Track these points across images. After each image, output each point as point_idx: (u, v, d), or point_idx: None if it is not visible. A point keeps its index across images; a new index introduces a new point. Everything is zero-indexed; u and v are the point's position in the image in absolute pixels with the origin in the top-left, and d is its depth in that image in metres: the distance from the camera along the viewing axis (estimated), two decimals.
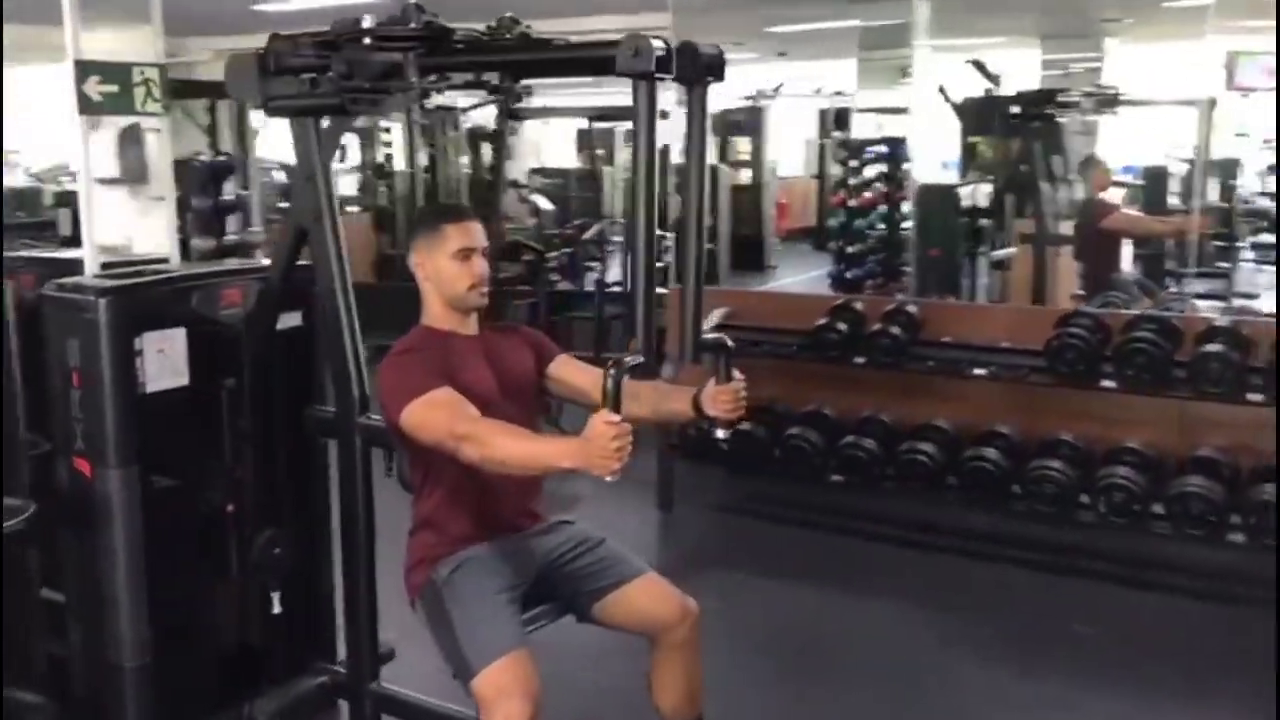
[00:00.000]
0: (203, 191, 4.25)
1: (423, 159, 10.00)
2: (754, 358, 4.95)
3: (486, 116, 9.82)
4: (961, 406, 4.56)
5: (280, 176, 9.36)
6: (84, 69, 2.81)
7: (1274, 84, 6.20)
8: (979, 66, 6.97)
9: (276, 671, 2.96)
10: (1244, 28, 7.05)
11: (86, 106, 2.83)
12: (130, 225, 3.05)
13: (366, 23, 2.30)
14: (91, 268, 2.93)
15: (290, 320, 2.97)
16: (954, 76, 7.15)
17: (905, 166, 7.46)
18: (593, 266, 9.16)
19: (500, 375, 2.49)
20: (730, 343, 2.38)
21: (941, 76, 7.27)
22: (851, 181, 7.63)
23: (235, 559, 2.87)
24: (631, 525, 4.92)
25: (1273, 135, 7.39)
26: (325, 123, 2.63)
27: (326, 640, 3.06)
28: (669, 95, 2.37)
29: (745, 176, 12.41)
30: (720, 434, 2.40)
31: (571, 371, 2.63)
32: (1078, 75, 8.74)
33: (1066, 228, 6.31)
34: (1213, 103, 6.79)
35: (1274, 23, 5.49)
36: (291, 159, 2.64)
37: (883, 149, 7.43)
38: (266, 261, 3.05)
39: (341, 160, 11.62)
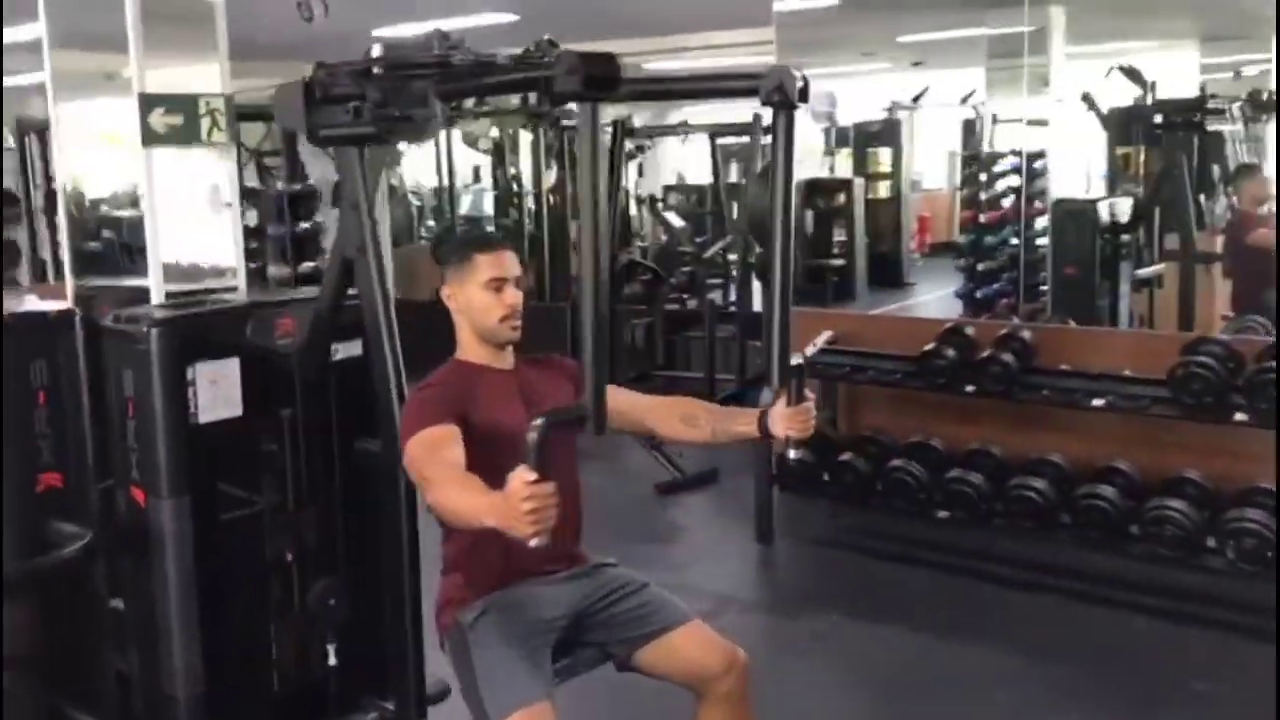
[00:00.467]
0: (279, 219, 4.32)
1: (551, 178, 10.04)
2: (858, 385, 4.76)
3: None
4: (1077, 439, 4.26)
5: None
6: (148, 101, 2.84)
7: None
8: (1130, 72, 6.58)
9: (332, 708, 2.93)
10: None
11: (150, 138, 2.85)
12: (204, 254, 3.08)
13: (376, 51, 2.24)
14: (156, 297, 2.95)
15: (351, 350, 2.95)
16: (1099, 84, 6.78)
17: (1041, 180, 7.09)
18: (716, 285, 9.05)
19: (540, 407, 2.39)
20: (801, 363, 2.38)
21: (1086, 84, 6.89)
22: (983, 196, 7.30)
23: (289, 598, 2.85)
24: (728, 558, 4.78)
25: None
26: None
27: (383, 677, 3.01)
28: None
29: (884, 190, 12.08)
30: (792, 453, 2.36)
31: (622, 399, 2.52)
32: (1247, 79, 8.19)
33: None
34: None
35: None
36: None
37: (1014, 161, 7.07)
38: None
39: (476, 181, 11.82)
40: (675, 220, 11.46)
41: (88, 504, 2.98)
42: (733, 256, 7.42)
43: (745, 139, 10.78)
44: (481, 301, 2.37)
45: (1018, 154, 7.06)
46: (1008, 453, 4.35)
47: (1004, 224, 7.11)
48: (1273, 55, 5.59)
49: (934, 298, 10.59)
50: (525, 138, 9.62)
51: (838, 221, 10.47)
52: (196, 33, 2.97)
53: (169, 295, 2.98)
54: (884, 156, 12.38)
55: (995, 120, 8.37)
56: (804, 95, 2.13)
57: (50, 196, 5.85)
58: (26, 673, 2.97)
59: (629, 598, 2.44)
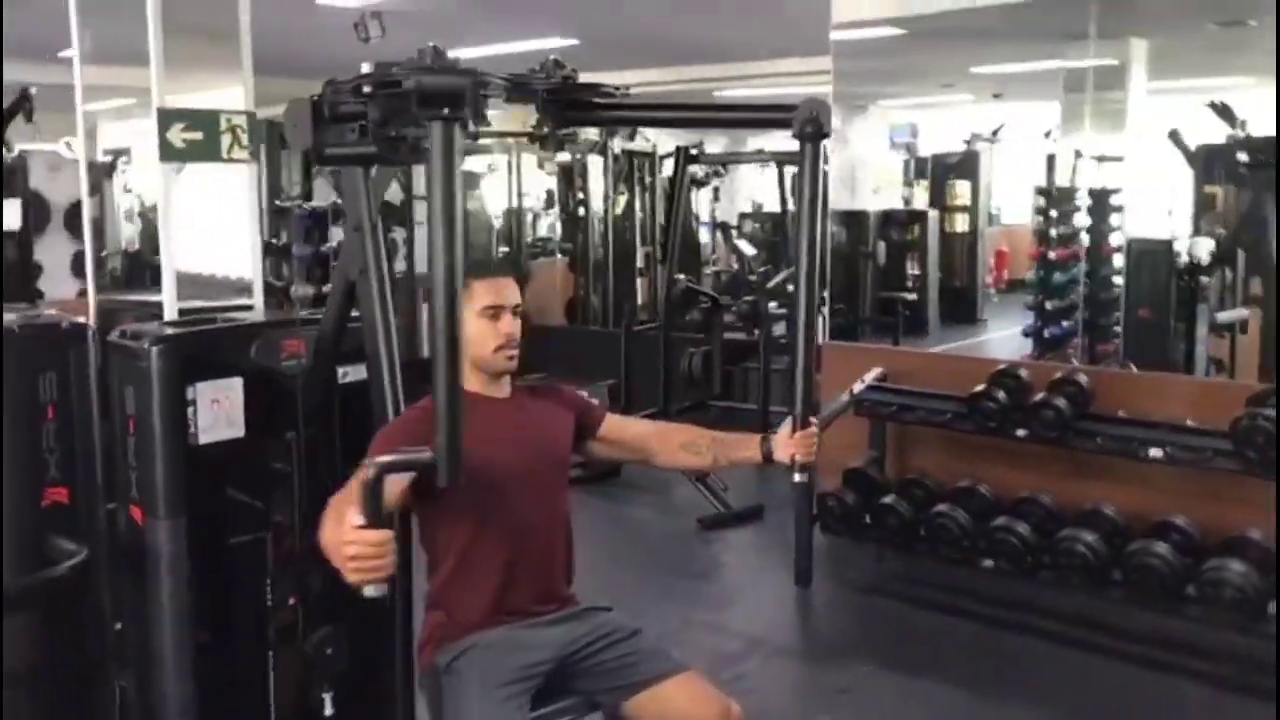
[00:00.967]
0: (305, 239, 4.30)
1: (622, 203, 10.00)
2: (907, 425, 4.59)
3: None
4: (1132, 491, 4.03)
5: None
6: (167, 116, 2.83)
7: None
8: (1220, 109, 6.31)
9: None
10: None
11: (168, 154, 2.84)
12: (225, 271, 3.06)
13: (366, 68, 2.16)
14: (169, 313, 2.92)
15: (360, 373, 2.88)
16: (1183, 119, 6.52)
17: (1116, 217, 6.82)
18: (781, 315, 8.89)
19: (529, 441, 2.31)
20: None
21: (1168, 120, 6.63)
22: (1054, 232, 7.04)
23: (290, 627, 2.77)
24: (764, 598, 4.64)
25: None
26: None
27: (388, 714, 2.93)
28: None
29: (961, 223, 11.82)
30: (797, 477, 2.36)
31: (622, 429, 2.49)
32: None
33: None
34: None
35: None
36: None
37: (1087, 199, 6.82)
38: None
39: (548, 207, 11.83)
40: (747, 248, 11.33)
41: (95, 521, 2.94)
42: (792, 287, 7.26)
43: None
44: (477, 329, 2.29)
45: (1092, 191, 6.81)
46: (1058, 502, 4.14)
47: (1074, 261, 6.85)
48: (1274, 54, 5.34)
49: (1005, 335, 10.27)
50: (595, 161, 9.61)
51: (911, 254, 10.27)
52: (223, 51, 2.97)
53: (184, 312, 2.97)
54: (962, 189, 12.13)
55: (1078, 155, 8.15)
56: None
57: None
58: (26, 689, 2.96)
59: (618, 644, 2.32)
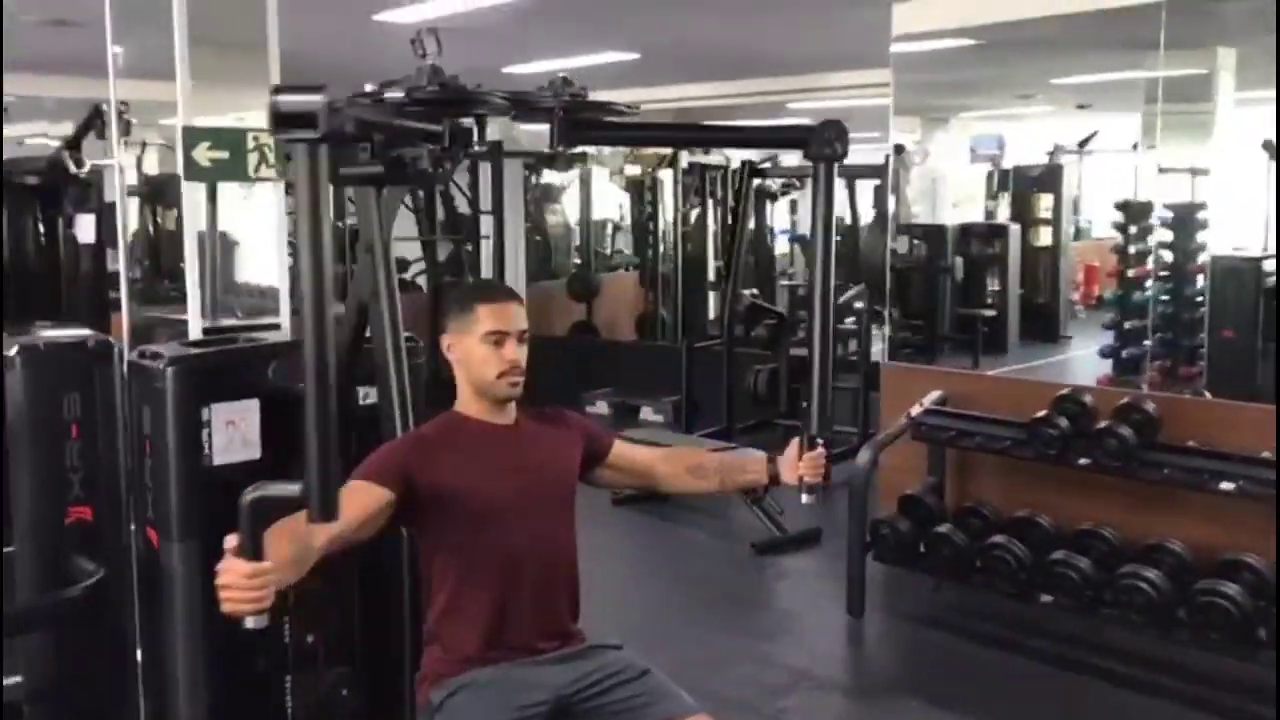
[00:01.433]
0: (341, 258, 4.27)
1: (693, 216, 9.91)
2: (964, 450, 4.42)
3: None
4: (1202, 526, 3.82)
5: None
6: (193, 135, 2.81)
7: None
8: None
9: None
10: None
11: (194, 173, 2.83)
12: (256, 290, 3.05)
13: (369, 88, 2.11)
14: (194, 332, 2.91)
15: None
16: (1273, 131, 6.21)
17: (1201, 234, 6.52)
18: (849, 331, 8.70)
19: (529, 470, 2.23)
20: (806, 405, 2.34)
21: (1261, 132, 6.34)
22: (1133, 249, 6.77)
23: (307, 653, 2.73)
24: (813, 628, 4.50)
25: None
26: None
27: None
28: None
29: (1044, 237, 11.48)
30: (805, 499, 2.33)
31: (630, 455, 2.43)
32: None
33: None
34: None
35: None
36: None
37: (1167, 214, 6.53)
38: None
39: (621, 222, 11.79)
40: None
41: (118, 540, 2.95)
42: (860, 304, 7.10)
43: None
44: (480, 354, 2.21)
45: (1175, 206, 6.52)
46: (1122, 536, 3.94)
47: (1152, 279, 6.57)
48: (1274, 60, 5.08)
49: (1087, 354, 9.91)
50: (668, 174, 9.54)
51: (991, 269, 10.00)
52: (251, 67, 2.95)
53: (209, 331, 2.95)
54: (1045, 202, 11.79)
55: (1161, 170, 7.84)
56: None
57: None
58: (49, 705, 2.97)
59: (624, 685, 2.22)
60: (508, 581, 2.17)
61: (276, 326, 3.04)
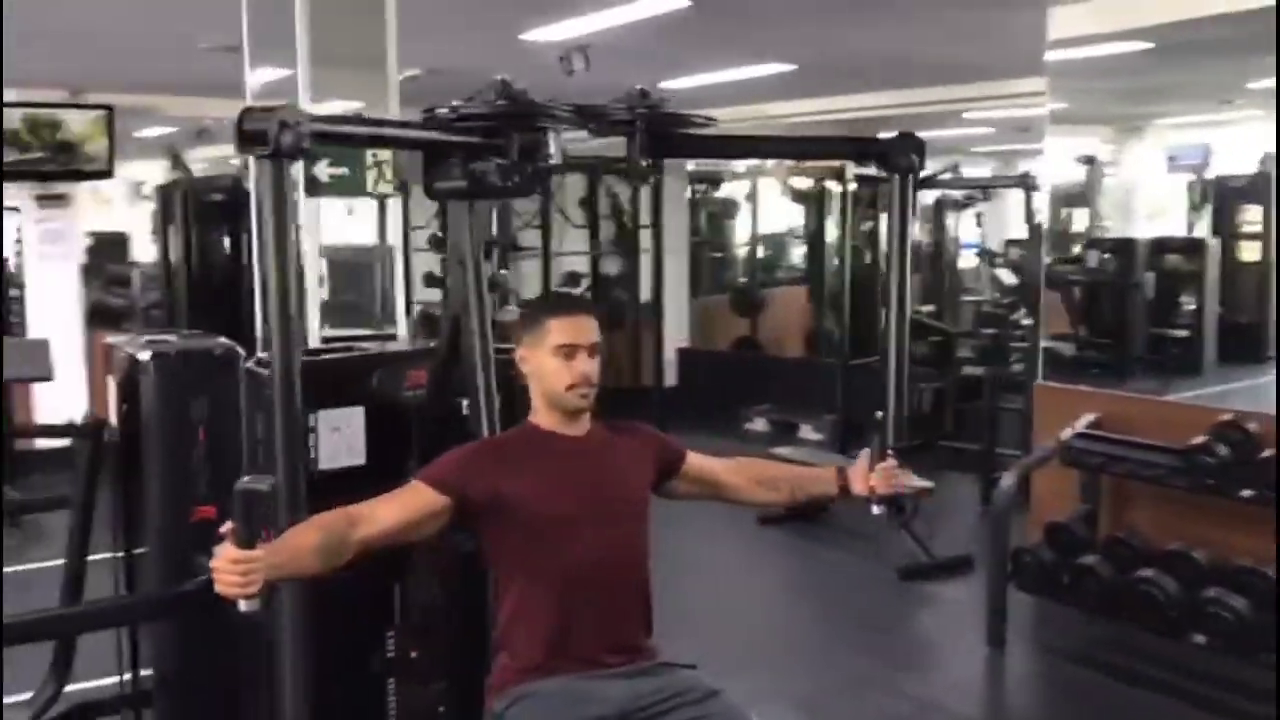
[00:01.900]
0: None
1: (863, 229, 9.71)
2: (1115, 477, 4.17)
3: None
4: None
5: None
6: (313, 152, 2.94)
7: None
8: None
9: None
10: None
11: (314, 189, 2.95)
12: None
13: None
14: (312, 341, 3.03)
15: None
16: None
17: None
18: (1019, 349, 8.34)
19: (599, 482, 2.22)
20: (882, 416, 2.36)
21: None
22: None
23: (411, 655, 2.79)
24: (951, 658, 4.34)
25: None
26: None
27: None
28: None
29: (1251, 252, 10.70)
30: (876, 510, 2.33)
31: (702, 466, 2.41)
32: None
33: None
34: None
35: None
36: None
37: None
38: None
39: (791, 236, 11.67)
40: (1008, 277, 10.73)
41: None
42: (1028, 321, 6.80)
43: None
44: (551, 367, 2.22)
45: None
46: None
47: None
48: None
49: None
50: (836, 187, 9.38)
51: (1186, 286, 9.41)
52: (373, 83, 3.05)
53: (327, 339, 3.07)
54: (1253, 215, 11.00)
55: None
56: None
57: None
58: (173, 698, 3.13)
59: (689, 707, 2.17)
60: (572, 592, 2.16)
61: (393, 336, 3.13)
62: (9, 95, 6.31)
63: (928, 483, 5.36)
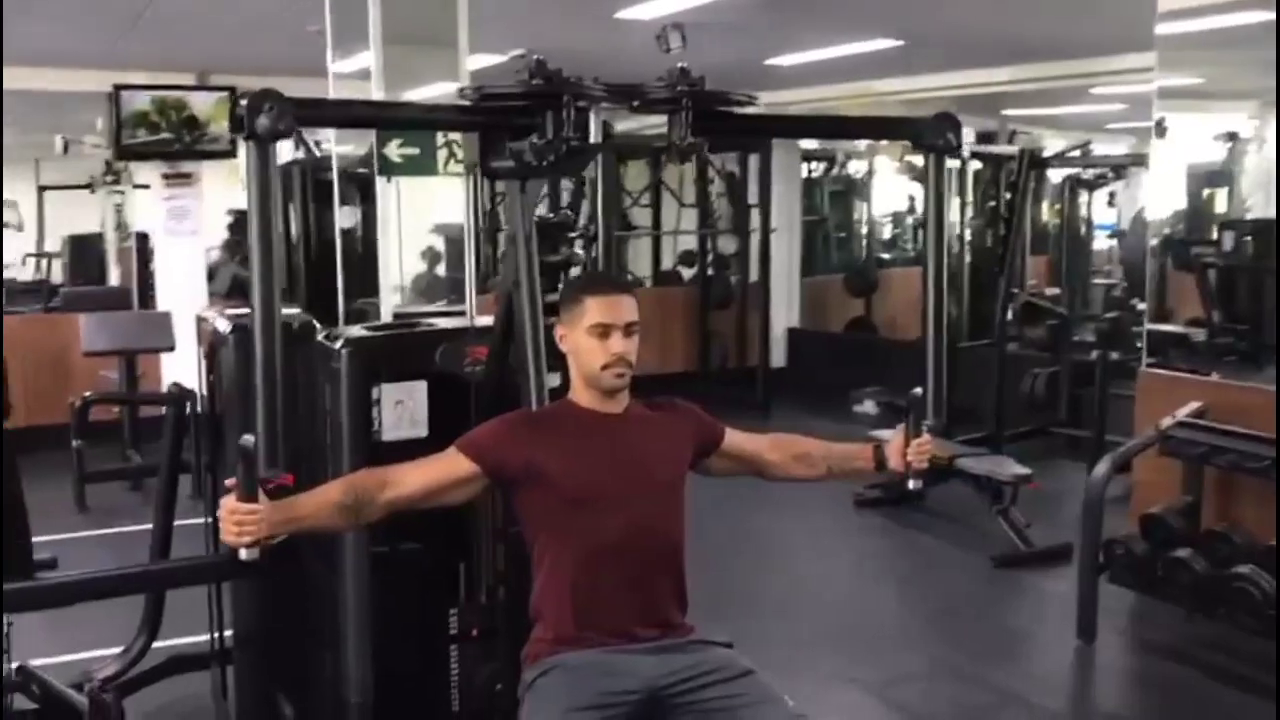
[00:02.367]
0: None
1: (981, 209, 9.45)
2: (1218, 469, 3.99)
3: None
4: None
5: None
6: (385, 133, 3.01)
7: None
8: None
9: None
10: None
11: (386, 168, 3.02)
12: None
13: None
14: (385, 316, 3.12)
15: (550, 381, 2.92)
16: None
17: None
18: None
19: (635, 459, 2.24)
20: (919, 393, 2.32)
21: None
22: None
23: (472, 621, 2.85)
24: (1038, 649, 4.24)
25: None
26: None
27: None
28: None
29: None
30: (912, 484, 2.35)
31: (741, 443, 2.42)
32: None
33: None
34: None
35: None
36: None
37: None
38: None
39: (910, 211, 11.43)
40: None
41: None
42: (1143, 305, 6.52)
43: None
44: (587, 346, 2.24)
45: None
46: None
47: None
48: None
49: None
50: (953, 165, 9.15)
51: None
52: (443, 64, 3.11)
53: (398, 315, 3.15)
54: None
55: None
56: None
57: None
58: (250, 655, 3.28)
59: (721, 684, 2.17)
60: (603, 565, 2.18)
61: (463, 312, 3.19)
62: (139, 78, 6.65)
63: (1025, 469, 5.26)
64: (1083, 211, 10.60)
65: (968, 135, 9.87)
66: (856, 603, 4.67)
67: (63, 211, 12.25)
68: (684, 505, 2.31)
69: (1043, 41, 6.18)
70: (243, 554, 1.90)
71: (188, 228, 6.91)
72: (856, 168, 11.05)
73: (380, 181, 3.06)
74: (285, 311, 3.31)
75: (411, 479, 2.14)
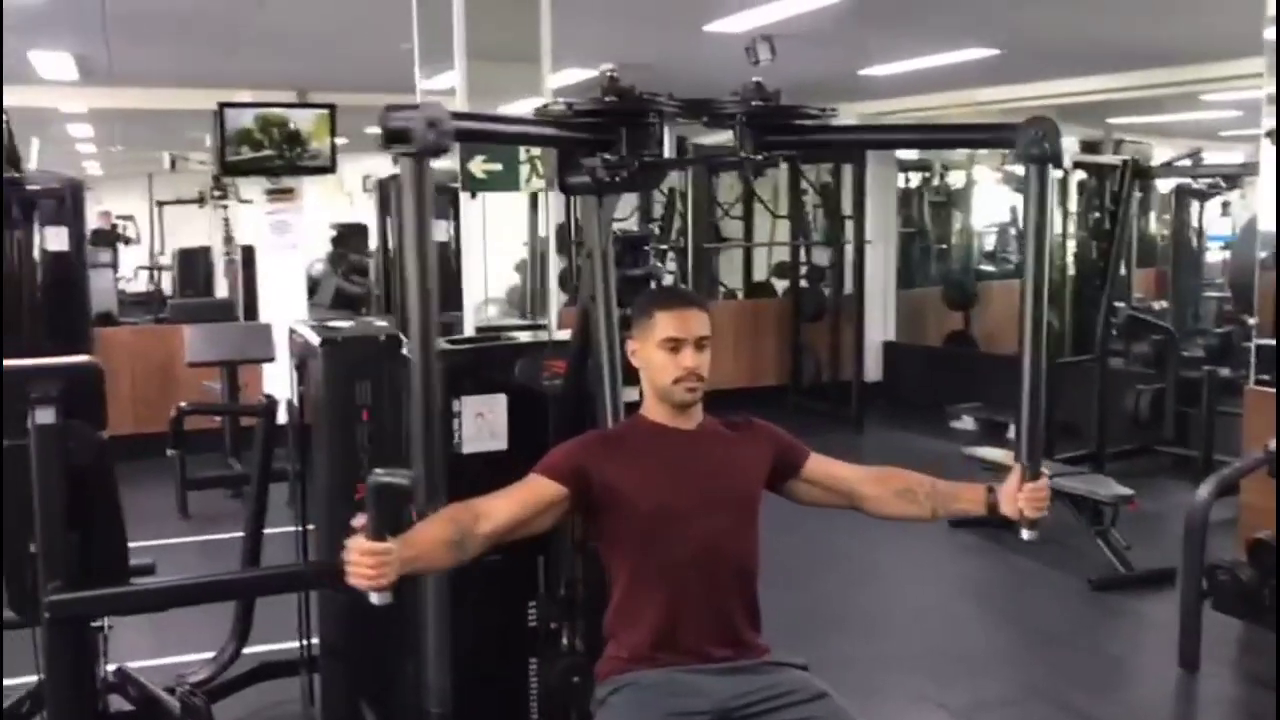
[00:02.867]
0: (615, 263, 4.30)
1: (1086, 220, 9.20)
2: None
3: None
4: None
5: None
6: (469, 149, 3.04)
7: None
8: None
9: None
10: None
11: (470, 184, 3.06)
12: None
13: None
14: (468, 330, 3.15)
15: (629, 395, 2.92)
16: None
17: None
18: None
19: (708, 476, 2.21)
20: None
21: None
22: None
23: (554, 635, 2.86)
24: (1136, 678, 4.10)
25: None
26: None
27: None
28: None
29: None
30: (1025, 534, 2.20)
31: (828, 470, 2.33)
32: None
33: None
34: None
35: None
36: None
37: None
38: None
39: (1014, 226, 11.17)
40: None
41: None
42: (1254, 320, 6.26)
43: None
44: (658, 360, 2.23)
45: None
46: None
47: None
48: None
49: None
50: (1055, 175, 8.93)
51: None
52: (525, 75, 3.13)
53: (481, 329, 3.18)
54: None
55: None
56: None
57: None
58: (336, 664, 3.33)
59: (795, 707, 2.13)
60: (677, 584, 2.16)
61: (544, 326, 3.21)
62: (244, 96, 6.85)
63: (1125, 489, 5.08)
64: (1194, 222, 10.27)
65: (1071, 144, 9.66)
66: (947, 624, 4.56)
67: (177, 226, 12.72)
68: (759, 525, 2.28)
69: (1148, 47, 6.00)
70: (374, 598, 1.83)
71: (288, 241, 7.09)
72: (956, 178, 10.86)
73: (464, 197, 3.09)
74: (375, 324, 3.41)
75: (500, 510, 2.11)
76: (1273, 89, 4.54)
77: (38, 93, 7.07)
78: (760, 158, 2.21)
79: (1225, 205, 12.07)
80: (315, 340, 3.16)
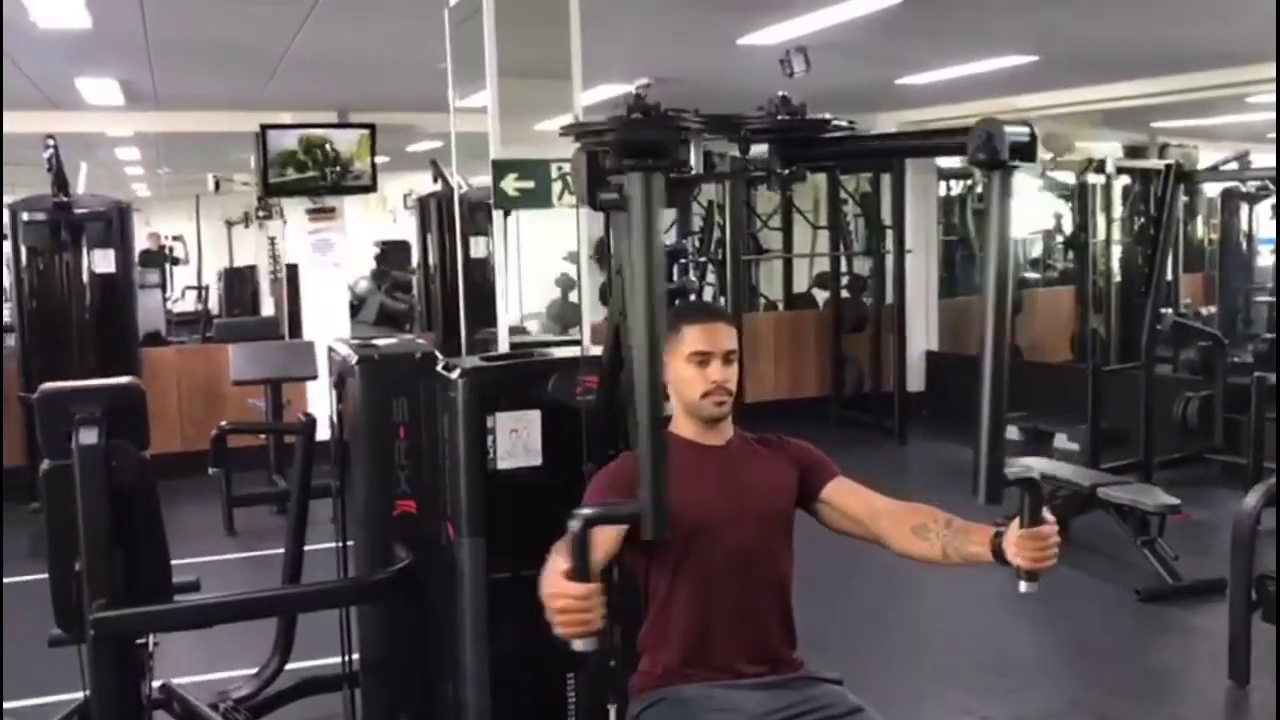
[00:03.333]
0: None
1: (1129, 225, 9.10)
2: None
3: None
4: None
5: None
6: (501, 167, 3.06)
7: None
8: None
9: None
10: None
11: (502, 202, 3.07)
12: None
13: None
14: (502, 346, 3.17)
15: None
16: None
17: None
18: None
19: (738, 492, 2.21)
20: (1037, 477, 1.95)
21: None
22: None
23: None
24: (1183, 692, 4.04)
25: None
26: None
27: None
28: None
29: None
30: (1023, 587, 1.97)
31: (846, 497, 2.26)
32: None
33: None
34: None
35: None
36: None
37: None
38: None
39: (1057, 230, 11.07)
40: None
41: (437, 532, 3.27)
42: None
43: None
44: (686, 375, 2.24)
45: None
46: None
47: None
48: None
49: None
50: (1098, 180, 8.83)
51: None
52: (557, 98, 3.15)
53: (515, 345, 3.20)
54: None
55: None
56: (1023, 154, 1.80)
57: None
58: (375, 679, 3.35)
59: None
60: (710, 600, 2.16)
61: (578, 342, 3.22)
62: (285, 118, 6.95)
63: (1172, 499, 5.01)
64: (1243, 225, 10.11)
65: (1114, 149, 9.55)
66: (990, 636, 4.52)
67: (223, 246, 12.91)
68: (793, 540, 2.27)
69: (1190, 51, 5.92)
70: (578, 645, 1.75)
71: (331, 260, 7.17)
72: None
73: (497, 215, 3.11)
74: (415, 341, 3.44)
75: (599, 545, 1.98)
76: None
77: (85, 118, 7.21)
78: (787, 172, 2.20)
79: (1276, 208, 11.89)
80: (353, 358, 3.20)
